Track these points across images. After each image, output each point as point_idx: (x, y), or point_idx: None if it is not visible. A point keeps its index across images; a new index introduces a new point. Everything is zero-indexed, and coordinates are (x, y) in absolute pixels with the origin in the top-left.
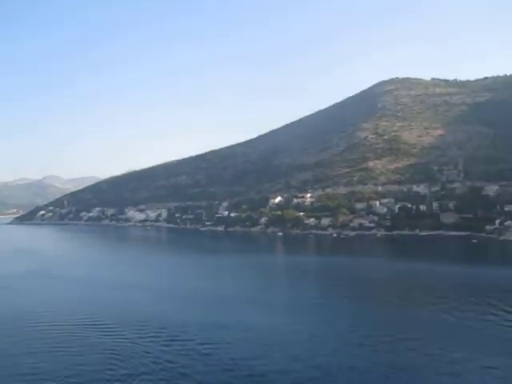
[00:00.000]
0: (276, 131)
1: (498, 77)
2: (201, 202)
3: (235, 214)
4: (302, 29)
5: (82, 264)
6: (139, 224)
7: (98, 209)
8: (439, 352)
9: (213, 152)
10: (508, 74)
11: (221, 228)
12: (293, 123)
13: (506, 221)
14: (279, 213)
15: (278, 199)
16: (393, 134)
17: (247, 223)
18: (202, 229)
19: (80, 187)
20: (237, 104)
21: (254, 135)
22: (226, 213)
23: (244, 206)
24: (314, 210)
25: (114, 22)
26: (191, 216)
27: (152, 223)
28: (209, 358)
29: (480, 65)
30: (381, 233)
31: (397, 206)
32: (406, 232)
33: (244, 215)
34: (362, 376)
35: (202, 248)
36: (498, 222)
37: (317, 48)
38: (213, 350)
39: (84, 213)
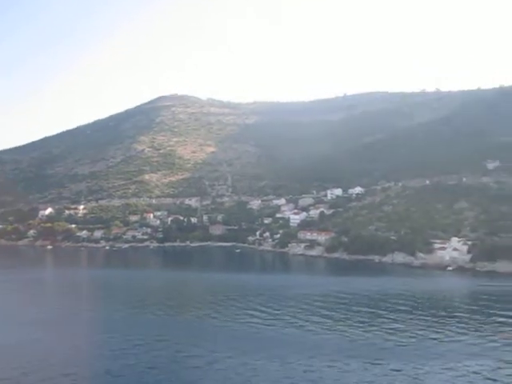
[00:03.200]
0: (50, 138)
1: (265, 102)
2: None
3: (0, 226)
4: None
5: None
6: None
7: None
8: (192, 350)
9: None
10: (274, 101)
11: None
12: (68, 131)
13: (264, 232)
14: (49, 225)
15: (49, 210)
16: (169, 148)
17: (13, 236)
18: None
19: None
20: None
21: (25, 141)
22: None
23: (11, 218)
24: (86, 222)
25: None
26: None
27: None
28: None
29: (251, 90)
30: (153, 244)
31: (170, 219)
32: (177, 244)
33: (10, 227)
34: (117, 378)
35: None
36: (258, 233)
37: None
38: None
39: None
